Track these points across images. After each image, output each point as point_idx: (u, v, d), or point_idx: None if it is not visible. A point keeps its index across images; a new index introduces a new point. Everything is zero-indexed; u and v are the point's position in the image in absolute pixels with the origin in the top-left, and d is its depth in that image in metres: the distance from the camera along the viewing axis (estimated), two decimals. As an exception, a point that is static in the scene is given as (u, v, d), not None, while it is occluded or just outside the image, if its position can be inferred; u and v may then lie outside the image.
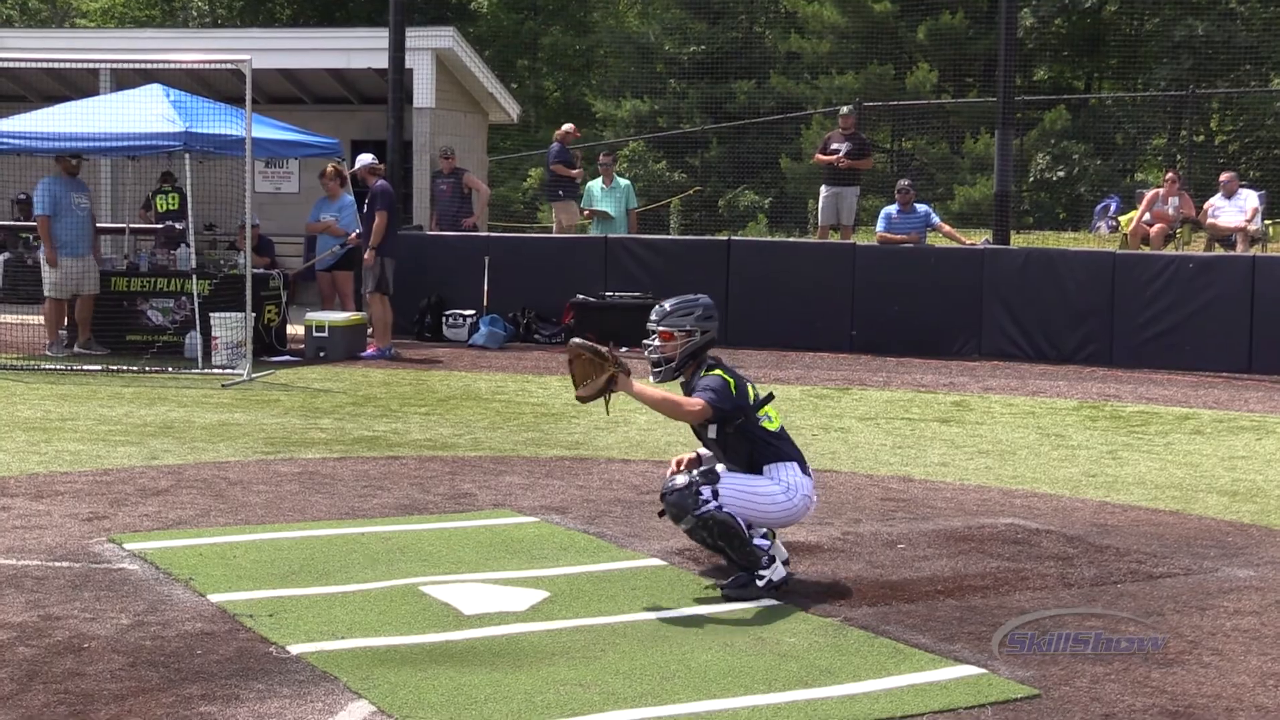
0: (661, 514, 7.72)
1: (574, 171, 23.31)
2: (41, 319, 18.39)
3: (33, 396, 14.48)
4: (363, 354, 18.43)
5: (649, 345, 7.87)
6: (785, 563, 7.71)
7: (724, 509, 7.49)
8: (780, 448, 7.78)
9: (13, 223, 24.71)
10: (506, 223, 36.42)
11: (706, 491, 7.48)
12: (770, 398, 7.85)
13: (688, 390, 7.79)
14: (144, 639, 6.67)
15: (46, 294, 17.95)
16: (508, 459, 11.62)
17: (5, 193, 21.44)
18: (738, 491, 7.57)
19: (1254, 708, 6.07)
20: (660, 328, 7.84)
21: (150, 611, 7.11)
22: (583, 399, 7.58)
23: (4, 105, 23.86)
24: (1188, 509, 10.24)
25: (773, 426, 7.78)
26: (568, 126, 24.30)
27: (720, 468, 7.77)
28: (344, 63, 25.09)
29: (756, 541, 7.56)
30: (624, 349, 20.68)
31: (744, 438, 7.70)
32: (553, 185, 23.49)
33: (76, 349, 17.93)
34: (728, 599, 7.51)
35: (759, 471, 7.69)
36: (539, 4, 47.29)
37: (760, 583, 7.55)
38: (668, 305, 7.94)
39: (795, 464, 7.75)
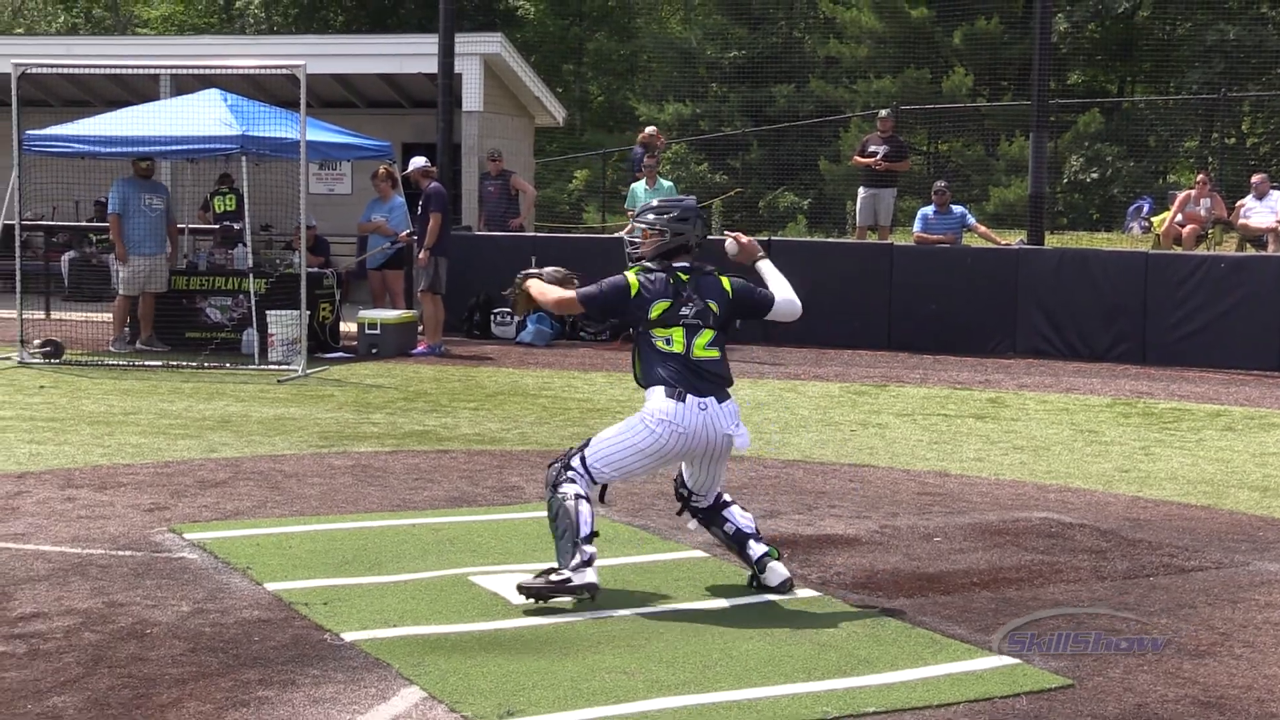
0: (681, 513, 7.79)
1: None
2: (109, 315, 18.57)
3: (97, 391, 14.58)
4: (414, 351, 18.48)
5: (627, 237, 7.91)
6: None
7: (589, 474, 7.32)
8: (660, 369, 7.33)
9: (78, 223, 24.93)
10: (552, 223, 36.41)
11: (576, 462, 7.33)
12: (678, 320, 7.38)
13: None
14: (203, 625, 6.72)
15: (119, 290, 18.13)
16: (554, 453, 11.61)
17: (70, 194, 21.56)
18: (606, 446, 7.37)
19: (1284, 698, 6.05)
20: (637, 222, 7.80)
21: (209, 599, 7.17)
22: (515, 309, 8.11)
23: (70, 110, 24.01)
24: (1219, 504, 10.19)
25: (672, 348, 7.33)
26: (650, 129, 23.99)
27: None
28: (395, 68, 25.18)
29: (584, 546, 7.14)
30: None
31: (637, 347, 7.54)
32: None
33: (139, 345, 18.06)
34: (524, 590, 7.17)
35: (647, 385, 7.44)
36: (584, 10, 47.27)
37: (556, 578, 7.14)
38: (654, 201, 7.88)
39: (661, 389, 7.28)
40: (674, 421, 7.22)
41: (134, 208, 17.90)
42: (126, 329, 18.19)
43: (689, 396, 7.25)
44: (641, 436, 7.28)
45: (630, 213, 22.52)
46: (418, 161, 19.18)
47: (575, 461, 7.31)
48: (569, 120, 34.65)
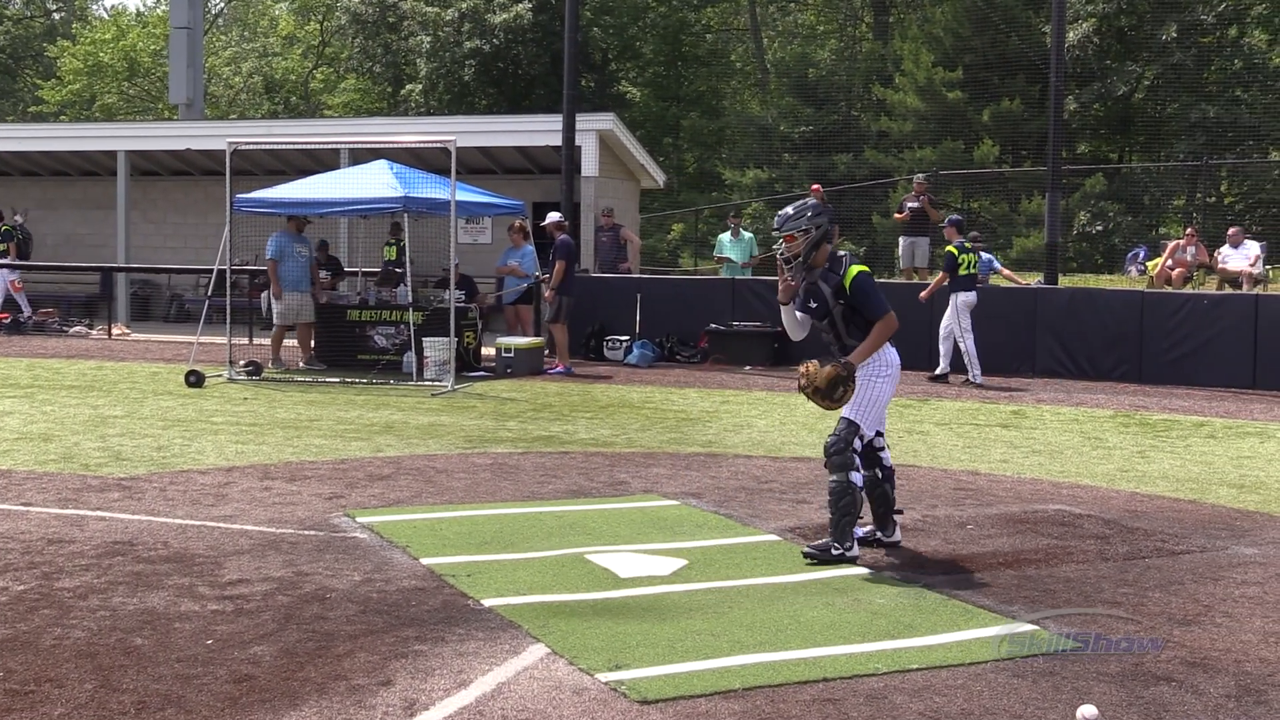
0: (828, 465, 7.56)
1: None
2: (295, 341, 18.83)
3: (288, 402, 14.74)
4: (551, 370, 18.53)
5: (778, 250, 7.71)
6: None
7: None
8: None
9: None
10: (654, 267, 36.47)
11: (857, 443, 7.47)
12: None
13: (825, 278, 7.63)
14: (371, 592, 6.76)
15: (274, 321, 18.47)
16: (655, 454, 11.62)
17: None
18: (867, 413, 7.55)
19: (1258, 659, 5.92)
20: (784, 233, 7.64)
21: (376, 571, 7.21)
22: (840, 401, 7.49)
23: (270, 178, 24.31)
24: (1203, 499, 10.00)
25: None
26: (815, 187, 24.15)
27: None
28: (528, 141, 25.28)
29: (857, 530, 7.57)
30: (747, 367, 20.39)
31: (850, 321, 7.66)
32: None
33: (302, 365, 18.26)
34: (809, 559, 7.51)
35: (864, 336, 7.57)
36: (681, 94, 47.24)
37: (834, 553, 7.51)
38: (788, 211, 7.69)
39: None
40: (897, 366, 7.72)
41: (288, 254, 18.16)
42: (300, 357, 18.37)
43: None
44: (885, 388, 7.62)
45: (719, 259, 22.55)
46: (554, 216, 19.26)
47: (856, 443, 7.46)
48: (668, 183, 34.53)
